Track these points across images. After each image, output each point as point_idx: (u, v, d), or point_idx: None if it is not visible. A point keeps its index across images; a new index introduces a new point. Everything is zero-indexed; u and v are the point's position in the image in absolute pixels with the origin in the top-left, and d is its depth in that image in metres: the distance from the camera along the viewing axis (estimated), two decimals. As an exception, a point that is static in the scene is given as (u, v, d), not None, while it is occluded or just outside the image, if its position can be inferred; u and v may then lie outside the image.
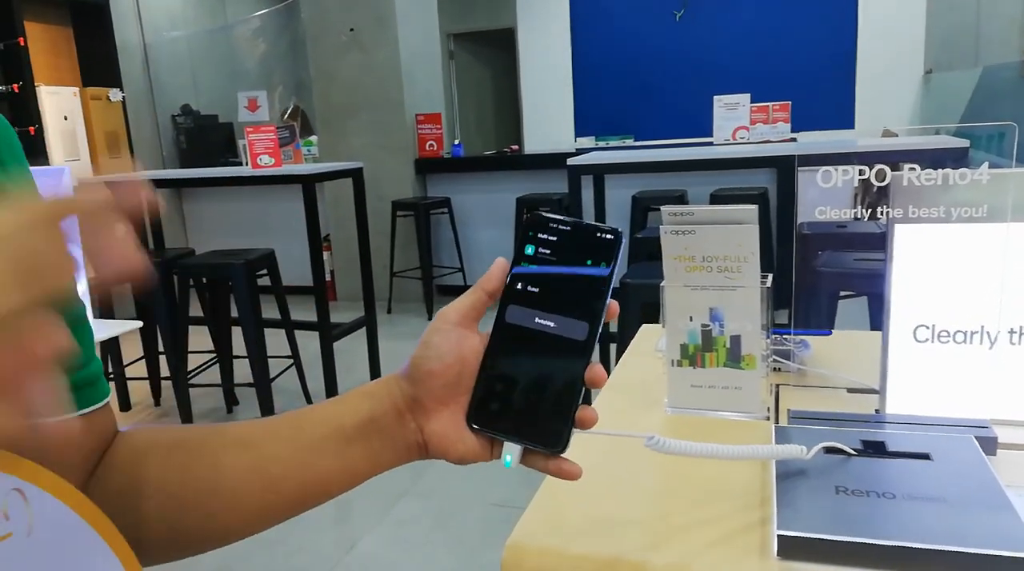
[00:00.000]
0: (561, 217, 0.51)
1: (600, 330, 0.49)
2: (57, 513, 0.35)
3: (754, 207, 0.80)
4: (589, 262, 0.50)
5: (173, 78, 6.32)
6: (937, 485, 0.67)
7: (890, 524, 0.61)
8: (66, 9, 5.42)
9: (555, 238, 0.51)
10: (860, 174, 0.76)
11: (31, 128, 4.61)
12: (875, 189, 0.79)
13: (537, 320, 0.50)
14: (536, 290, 0.50)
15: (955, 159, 2.56)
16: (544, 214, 0.51)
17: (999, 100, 4.57)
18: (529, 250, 0.51)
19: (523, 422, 0.49)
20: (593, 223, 0.51)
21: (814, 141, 4.81)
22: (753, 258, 0.82)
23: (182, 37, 6.47)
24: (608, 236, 0.50)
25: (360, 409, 0.51)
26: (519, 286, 0.51)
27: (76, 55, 5.51)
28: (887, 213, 0.78)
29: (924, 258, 0.80)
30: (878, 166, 0.75)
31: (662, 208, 0.83)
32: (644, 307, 2.23)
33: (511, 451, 0.49)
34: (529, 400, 0.50)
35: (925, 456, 0.71)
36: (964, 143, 2.57)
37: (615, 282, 0.50)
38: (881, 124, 5.56)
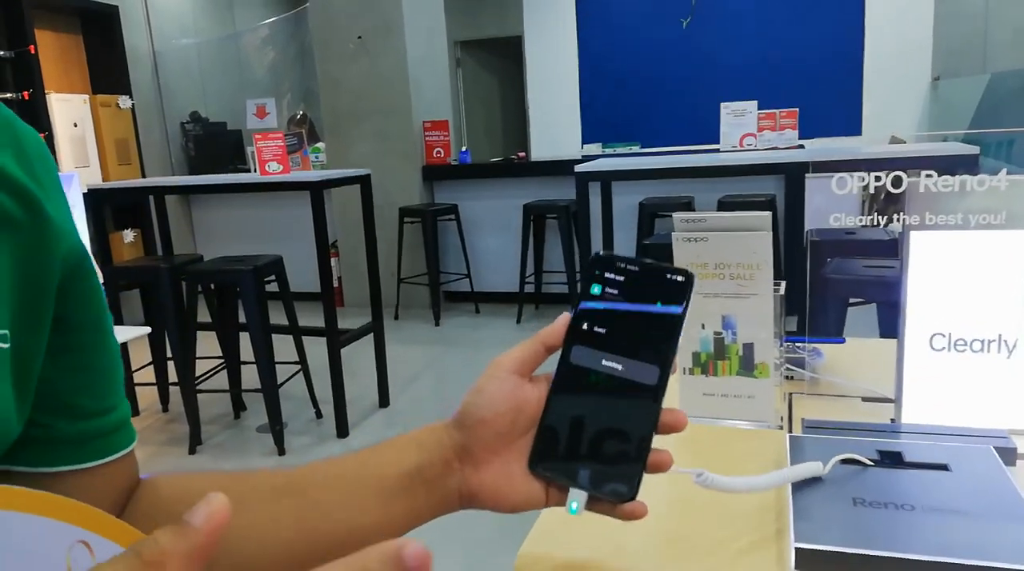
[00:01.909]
0: (629, 257, 0.49)
1: (669, 374, 0.47)
2: None
3: (767, 214, 0.79)
4: (659, 304, 0.48)
5: (182, 85, 6.35)
6: (956, 497, 0.66)
7: (910, 537, 0.60)
8: (76, 17, 5.46)
9: (623, 278, 0.49)
10: (876, 180, 0.75)
11: (41, 135, 4.63)
12: (883, 196, 0.78)
13: (604, 362, 0.48)
14: (603, 331, 0.49)
15: (965, 166, 2.55)
16: (611, 254, 0.50)
17: (1007, 107, 4.55)
18: (595, 289, 0.49)
19: (590, 468, 0.47)
20: (662, 264, 0.49)
21: (822, 148, 4.80)
22: (766, 265, 0.81)
23: (191, 45, 6.51)
24: (679, 277, 0.48)
25: (407, 459, 0.49)
26: (585, 326, 0.49)
27: (86, 63, 5.54)
28: (903, 220, 0.77)
29: (940, 265, 0.79)
30: (895, 173, 0.75)
31: (674, 215, 0.82)
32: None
33: (577, 498, 0.47)
34: (597, 445, 0.48)
35: (943, 467, 0.70)
36: (974, 150, 2.55)
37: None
38: (889, 131, 5.54)
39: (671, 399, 0.90)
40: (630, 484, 0.47)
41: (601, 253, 0.51)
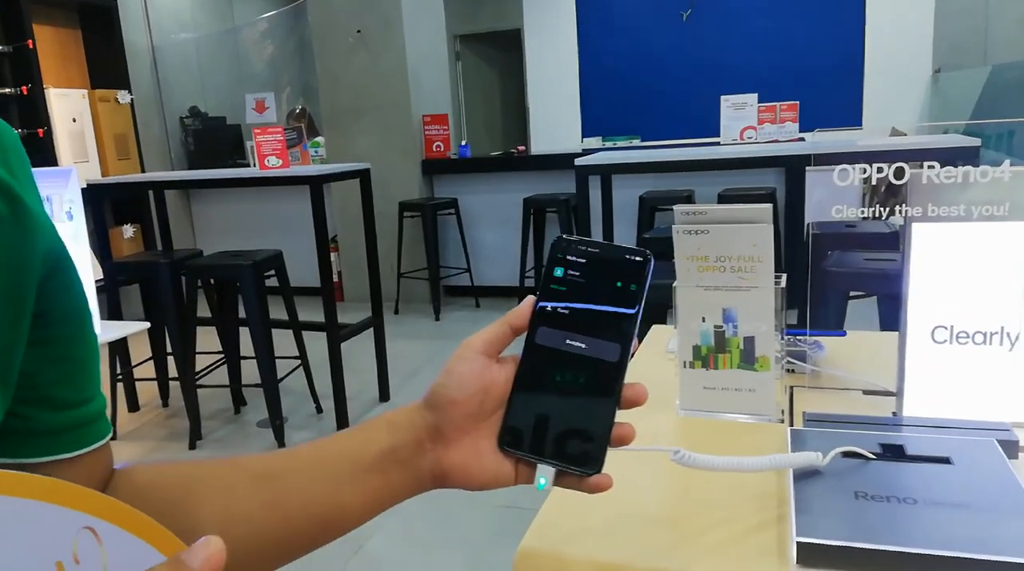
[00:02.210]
0: (589, 239, 0.51)
1: (632, 352, 0.50)
2: (135, 552, 0.31)
3: (768, 206, 0.79)
4: (619, 284, 0.50)
5: (181, 80, 6.33)
6: (959, 490, 0.65)
7: (912, 531, 0.60)
8: (74, 12, 5.44)
9: (584, 260, 0.51)
10: (879, 172, 0.74)
11: (40, 130, 4.63)
12: (883, 189, 0.78)
13: (568, 341, 0.50)
14: (566, 312, 0.50)
15: (966, 158, 2.53)
16: (572, 237, 0.52)
17: (1008, 99, 4.53)
18: (558, 272, 0.51)
19: (557, 444, 0.49)
20: (622, 245, 0.51)
21: (822, 141, 4.78)
22: (767, 258, 0.81)
23: (190, 39, 6.48)
24: (637, 258, 0.50)
25: (380, 440, 0.51)
26: (549, 308, 0.51)
27: (85, 57, 5.52)
28: (905, 212, 0.76)
29: (942, 257, 0.78)
30: (897, 164, 0.74)
31: (675, 207, 0.81)
32: (653, 308, 2.22)
33: (545, 473, 0.49)
34: (562, 422, 0.50)
35: (946, 460, 0.70)
36: (975, 142, 2.54)
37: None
38: (889, 123, 5.52)
39: (670, 392, 0.89)
40: (595, 458, 0.49)
41: (563, 236, 0.52)
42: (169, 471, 0.53)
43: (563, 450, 0.49)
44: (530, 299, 0.51)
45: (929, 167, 0.75)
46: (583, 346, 0.50)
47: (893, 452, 0.71)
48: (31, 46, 4.66)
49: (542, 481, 0.49)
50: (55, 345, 0.46)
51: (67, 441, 0.47)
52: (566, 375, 0.50)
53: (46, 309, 0.44)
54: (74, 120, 5.06)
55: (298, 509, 0.50)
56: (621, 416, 0.49)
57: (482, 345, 0.51)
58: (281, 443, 3.12)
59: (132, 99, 5.57)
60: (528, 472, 0.50)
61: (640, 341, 0.51)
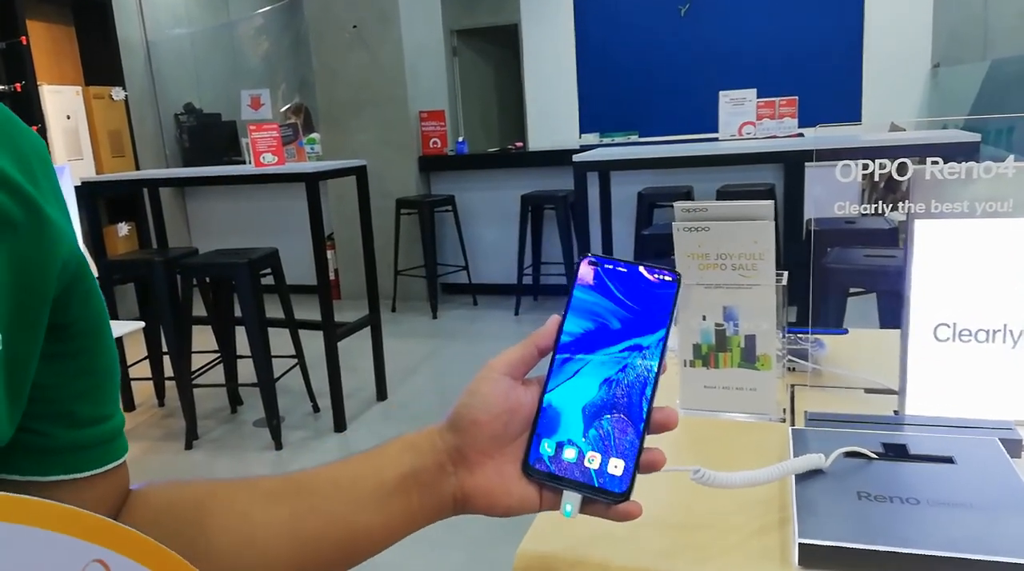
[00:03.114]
0: (616, 259, 0.50)
1: (659, 374, 0.48)
2: None
3: (770, 203, 0.78)
4: (647, 304, 0.49)
5: (176, 76, 6.30)
6: (962, 490, 0.64)
7: (915, 531, 0.59)
8: (68, 7, 5.41)
9: (611, 279, 0.50)
10: (881, 168, 0.73)
11: (34, 127, 4.60)
12: (883, 185, 0.77)
13: (594, 361, 0.49)
14: (593, 332, 0.49)
15: (965, 153, 2.53)
16: (599, 255, 0.51)
17: (1007, 94, 4.52)
18: (584, 291, 0.50)
19: (583, 469, 0.48)
20: (650, 264, 0.50)
21: (822, 136, 4.77)
22: (769, 255, 0.80)
23: (185, 35, 6.45)
24: (666, 277, 0.49)
25: (401, 462, 0.49)
26: (575, 328, 0.50)
27: (78, 54, 5.49)
28: (908, 208, 0.75)
29: (945, 254, 0.78)
30: (900, 160, 0.73)
31: (675, 204, 0.80)
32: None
33: (571, 500, 0.48)
34: (589, 446, 0.48)
35: (948, 459, 0.69)
36: (975, 137, 2.53)
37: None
38: (888, 119, 5.51)
39: (671, 391, 0.89)
40: (623, 485, 0.47)
41: (591, 254, 0.51)
42: (185, 492, 0.52)
43: (590, 476, 0.48)
44: (555, 318, 0.50)
45: (932, 163, 0.74)
46: (611, 367, 0.49)
47: (895, 451, 0.71)
48: (24, 42, 4.63)
49: (568, 508, 0.48)
50: (75, 358, 0.45)
51: (85, 459, 0.46)
52: (592, 398, 0.49)
53: (66, 322, 0.43)
54: (68, 117, 5.04)
55: (315, 532, 0.48)
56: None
57: (507, 366, 0.49)
58: (278, 443, 3.11)
59: (126, 96, 5.54)
60: (554, 498, 0.49)
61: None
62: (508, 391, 0.48)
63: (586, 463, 0.48)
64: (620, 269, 0.50)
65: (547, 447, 0.48)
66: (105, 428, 0.47)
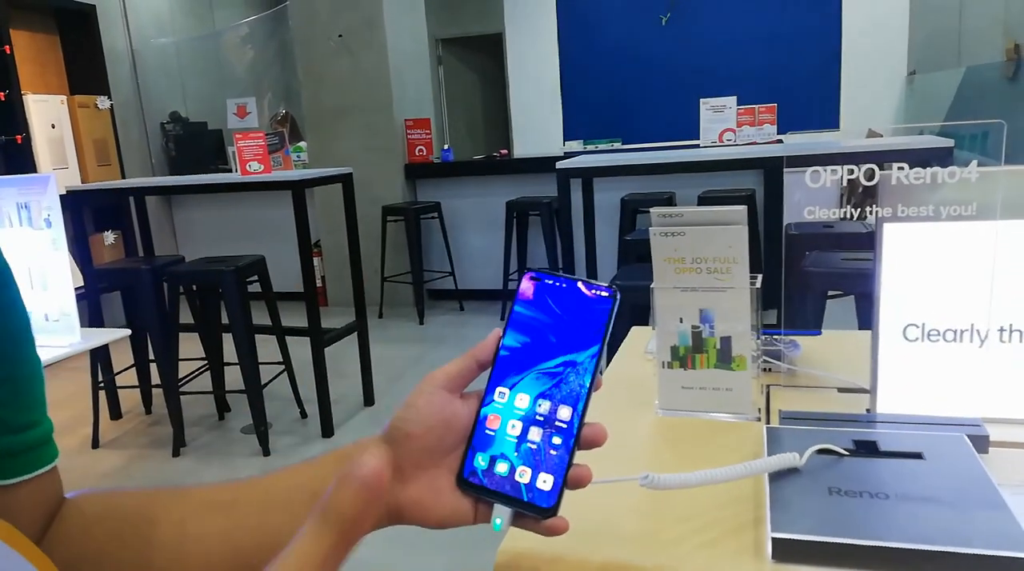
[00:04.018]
0: (557, 274, 0.51)
1: (591, 390, 0.49)
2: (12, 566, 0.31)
3: (743, 208, 0.80)
4: (584, 320, 0.49)
5: (161, 85, 6.29)
6: (930, 485, 0.67)
7: (884, 525, 0.61)
8: (52, 17, 5.39)
9: (550, 294, 0.50)
10: (849, 174, 0.76)
11: (18, 137, 4.57)
12: (861, 189, 0.79)
13: (532, 378, 0.49)
14: (530, 347, 0.50)
15: (940, 158, 2.57)
16: (540, 271, 0.51)
17: (982, 100, 4.60)
18: (524, 306, 0.51)
19: (514, 484, 0.48)
20: (589, 281, 0.50)
21: (800, 142, 4.83)
22: (743, 259, 0.82)
23: (170, 44, 6.44)
24: (603, 293, 0.50)
25: (334, 473, 0.49)
26: (513, 342, 0.50)
27: (63, 63, 5.47)
28: (876, 212, 0.78)
29: (913, 257, 0.80)
30: (867, 165, 0.75)
31: (651, 210, 0.82)
32: (632, 309, 2.23)
33: (501, 514, 0.48)
34: (520, 461, 0.49)
35: (917, 455, 0.71)
36: (949, 143, 2.58)
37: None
38: (866, 125, 5.59)
39: (650, 392, 0.91)
40: (551, 500, 0.48)
41: (532, 270, 0.52)
42: (122, 500, 0.52)
43: (520, 491, 0.48)
44: (496, 332, 0.51)
45: (899, 168, 0.76)
46: (545, 383, 0.49)
47: (866, 448, 0.73)
48: (8, 51, 4.61)
49: (498, 521, 0.48)
50: None
51: (10, 466, 0.46)
52: (527, 413, 0.49)
53: None
54: (53, 126, 5.01)
55: (250, 540, 0.49)
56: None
57: (445, 379, 0.49)
58: (265, 449, 3.10)
59: (112, 104, 5.52)
60: (487, 511, 0.49)
61: (601, 376, 0.51)
62: (444, 404, 0.49)
63: (516, 477, 0.48)
64: (559, 285, 0.50)
65: (481, 461, 0.49)
66: (31, 434, 0.47)
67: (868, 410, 0.85)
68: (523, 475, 0.48)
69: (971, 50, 4.91)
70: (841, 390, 0.93)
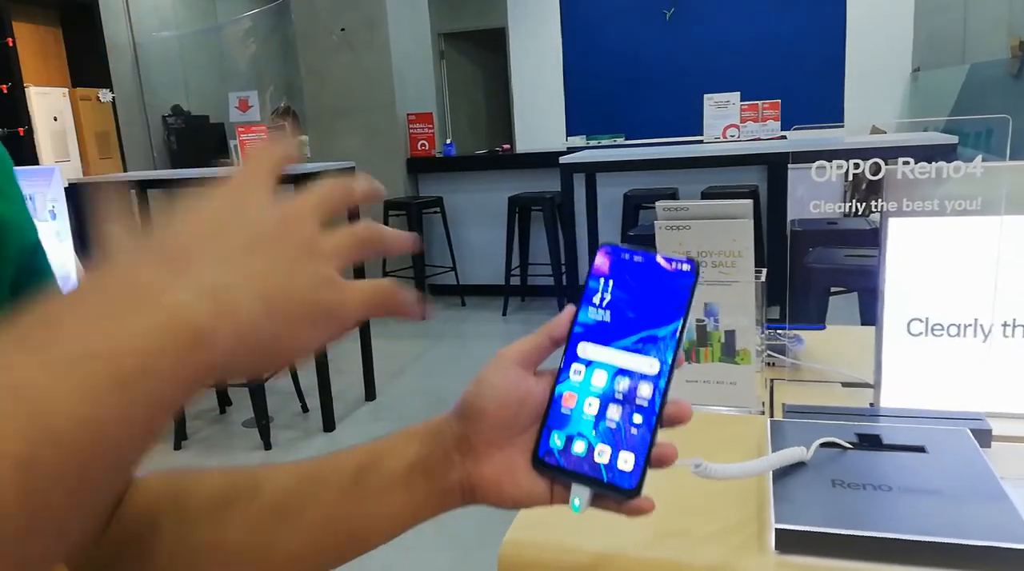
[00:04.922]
0: (633, 248, 0.49)
1: (674, 367, 0.47)
2: None
3: (748, 202, 0.80)
4: (663, 295, 0.47)
5: (163, 78, 6.28)
6: (933, 478, 0.67)
7: (887, 517, 0.61)
8: (55, 9, 5.38)
9: (627, 269, 0.48)
10: (855, 168, 0.76)
11: (20, 129, 4.58)
12: (865, 185, 0.79)
13: (608, 354, 0.47)
14: (606, 323, 0.48)
15: (944, 155, 2.57)
16: (616, 244, 0.49)
17: (986, 97, 4.59)
18: (599, 281, 0.49)
19: (593, 464, 0.46)
20: (667, 255, 0.48)
21: (804, 138, 4.83)
22: (748, 253, 0.82)
23: (172, 37, 6.44)
24: (683, 267, 0.47)
25: (406, 452, 0.48)
26: (589, 318, 0.48)
27: (65, 55, 5.47)
28: (881, 206, 0.78)
29: (918, 251, 0.80)
30: (873, 159, 0.76)
31: (657, 203, 0.83)
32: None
33: (580, 494, 0.46)
34: (600, 440, 0.47)
35: (920, 449, 0.71)
36: (953, 139, 2.58)
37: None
38: (870, 122, 5.58)
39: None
40: (633, 480, 0.46)
41: (608, 243, 0.49)
42: (188, 480, 0.51)
43: (599, 471, 0.46)
44: (570, 308, 0.49)
45: (904, 162, 0.77)
46: (623, 360, 0.47)
47: (870, 442, 0.73)
48: (11, 44, 4.61)
49: (577, 503, 0.46)
50: None
51: None
52: (604, 390, 0.47)
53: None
54: (55, 119, 5.02)
55: (317, 522, 0.47)
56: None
57: (518, 355, 0.48)
58: (267, 443, 3.11)
59: (114, 97, 5.52)
60: (564, 492, 0.47)
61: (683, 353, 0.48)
62: (518, 381, 0.47)
63: (596, 457, 0.46)
64: (636, 259, 0.48)
65: (557, 440, 0.47)
66: None
67: (872, 404, 0.85)
68: (602, 454, 0.46)
69: (976, 47, 4.90)
70: (845, 385, 0.93)
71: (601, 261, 0.49)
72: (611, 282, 0.48)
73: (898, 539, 0.58)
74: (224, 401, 3.57)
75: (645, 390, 0.46)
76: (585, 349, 0.48)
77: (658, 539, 0.65)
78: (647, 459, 0.46)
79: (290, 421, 3.41)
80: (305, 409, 3.47)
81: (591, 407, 0.47)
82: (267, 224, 0.36)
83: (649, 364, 0.46)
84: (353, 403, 3.55)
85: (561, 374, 0.48)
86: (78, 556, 0.45)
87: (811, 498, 0.64)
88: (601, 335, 0.48)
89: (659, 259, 0.48)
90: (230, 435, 3.32)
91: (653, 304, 0.47)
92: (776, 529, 0.61)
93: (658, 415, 0.46)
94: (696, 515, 0.68)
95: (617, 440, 0.46)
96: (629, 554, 0.64)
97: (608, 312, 0.48)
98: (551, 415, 0.47)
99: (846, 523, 0.60)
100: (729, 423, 0.86)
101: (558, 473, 0.47)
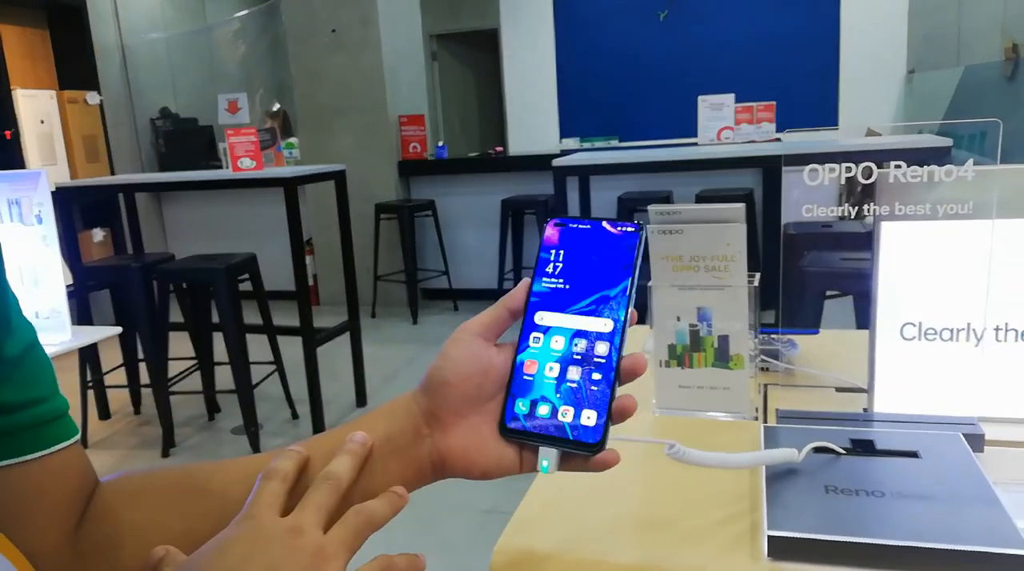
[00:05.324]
0: (579, 217, 0.52)
1: (627, 324, 0.49)
2: None
3: (741, 206, 0.79)
4: (612, 257, 0.50)
5: (152, 80, 6.25)
6: (926, 483, 0.67)
7: (880, 523, 0.61)
8: (42, 11, 5.35)
9: (577, 236, 0.51)
10: (847, 171, 0.75)
11: (7, 132, 4.54)
12: (859, 188, 0.79)
13: (564, 319, 0.50)
14: (560, 290, 0.50)
15: (938, 158, 2.58)
16: (565, 217, 0.52)
17: (980, 99, 4.62)
18: (550, 252, 0.51)
19: (558, 425, 0.48)
20: (612, 219, 0.51)
21: (799, 141, 4.84)
22: (741, 257, 0.81)
23: (161, 39, 6.40)
24: (628, 229, 0.50)
25: (376, 429, 0.49)
26: (543, 287, 0.51)
27: (53, 58, 5.43)
28: (874, 210, 0.77)
29: (910, 255, 0.80)
30: (865, 163, 0.75)
31: (649, 207, 0.82)
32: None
33: (548, 456, 0.48)
34: (562, 401, 0.49)
35: (913, 454, 0.71)
36: (947, 142, 2.59)
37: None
38: (864, 124, 5.60)
39: (646, 391, 0.90)
40: (596, 435, 0.48)
41: (556, 217, 0.52)
42: (166, 473, 0.53)
43: (564, 430, 0.48)
44: (525, 281, 0.51)
45: (896, 166, 0.76)
46: (579, 322, 0.49)
47: (863, 447, 0.73)
48: (-2, 46, 4.57)
49: (545, 464, 0.48)
50: None
51: (20, 443, 0.46)
52: (563, 354, 0.49)
53: None
54: (42, 122, 4.98)
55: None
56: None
57: (479, 328, 0.50)
58: (256, 450, 3.09)
59: (101, 100, 5.49)
60: (532, 458, 0.49)
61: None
62: (480, 352, 0.49)
63: (559, 417, 0.48)
64: (583, 226, 0.51)
65: (522, 406, 0.49)
66: (47, 407, 0.47)
67: (865, 409, 0.85)
68: (566, 414, 0.48)
69: (970, 49, 4.92)
70: (839, 389, 0.93)
71: (551, 233, 0.52)
72: (562, 252, 0.51)
73: (891, 545, 0.58)
74: (213, 408, 3.55)
75: (602, 348, 0.49)
76: (542, 317, 0.50)
77: (649, 545, 0.65)
78: (608, 413, 0.48)
79: (280, 428, 3.39)
80: (295, 416, 3.45)
81: (552, 371, 0.49)
82: (279, 551, 0.40)
83: (603, 324, 0.49)
84: (344, 409, 3.53)
85: (521, 343, 0.50)
86: (52, 558, 0.45)
87: (804, 504, 0.64)
88: (556, 302, 0.50)
89: (605, 225, 0.51)
90: (219, 442, 3.30)
91: (603, 267, 0.50)
92: (768, 536, 0.60)
93: (615, 370, 0.48)
94: (687, 521, 0.67)
95: (579, 399, 0.48)
96: (619, 561, 0.63)
97: (561, 280, 0.51)
98: (514, 383, 0.50)
99: (839, 530, 0.59)
100: (722, 429, 0.85)
101: (525, 437, 0.49)
